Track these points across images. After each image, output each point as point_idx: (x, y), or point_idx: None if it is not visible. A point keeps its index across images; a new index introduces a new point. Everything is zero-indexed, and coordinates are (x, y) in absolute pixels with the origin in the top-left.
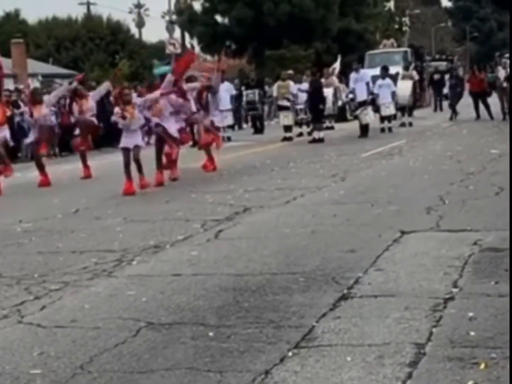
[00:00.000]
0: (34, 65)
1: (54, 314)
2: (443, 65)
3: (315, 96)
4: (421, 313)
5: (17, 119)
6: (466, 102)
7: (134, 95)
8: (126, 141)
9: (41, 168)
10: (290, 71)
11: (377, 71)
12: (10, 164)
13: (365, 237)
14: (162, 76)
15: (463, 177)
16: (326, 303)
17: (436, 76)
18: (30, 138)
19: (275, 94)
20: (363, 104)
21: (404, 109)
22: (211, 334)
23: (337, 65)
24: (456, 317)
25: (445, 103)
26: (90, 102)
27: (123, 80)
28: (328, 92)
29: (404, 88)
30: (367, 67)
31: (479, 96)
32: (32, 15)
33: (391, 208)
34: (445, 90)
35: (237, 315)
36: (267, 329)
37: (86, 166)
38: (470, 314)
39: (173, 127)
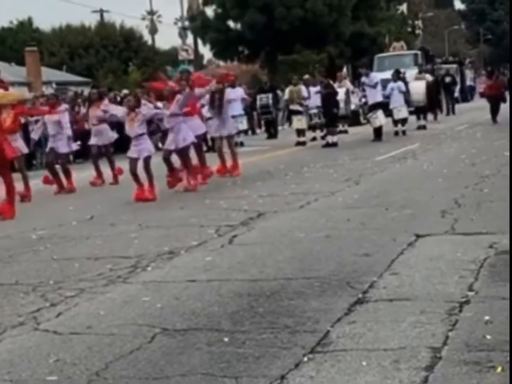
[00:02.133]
0: (48, 73)
1: (70, 320)
2: (453, 67)
3: (329, 100)
4: (437, 317)
5: (32, 127)
6: (477, 105)
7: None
8: (133, 150)
9: (55, 174)
10: (307, 76)
11: (386, 74)
12: (30, 188)
13: (379, 241)
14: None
15: (477, 180)
16: (341, 307)
17: (447, 79)
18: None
19: (286, 97)
20: (374, 107)
21: (420, 111)
22: (226, 339)
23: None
24: (472, 321)
25: (457, 106)
26: (100, 110)
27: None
28: (340, 92)
29: (418, 87)
30: (376, 71)
31: (496, 99)
32: (45, 23)
33: (406, 212)
34: (456, 94)
35: (252, 320)
36: (282, 334)
37: (98, 172)
38: (486, 317)
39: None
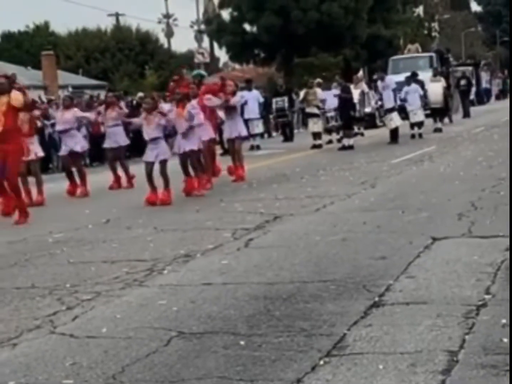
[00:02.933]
0: (65, 77)
1: (86, 324)
2: (469, 70)
3: (345, 103)
4: (454, 320)
5: (48, 130)
6: (494, 107)
7: (162, 105)
8: (149, 154)
9: (71, 177)
10: (319, 80)
11: (401, 77)
12: (43, 192)
13: (396, 244)
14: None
15: (494, 182)
16: (357, 311)
17: (463, 82)
18: (63, 151)
19: (301, 99)
20: (390, 111)
21: (436, 114)
22: (242, 343)
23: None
24: (489, 324)
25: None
26: (115, 112)
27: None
28: (355, 93)
29: (435, 89)
30: (391, 73)
31: None
32: (61, 27)
33: (422, 215)
34: (472, 96)
35: (268, 323)
36: (298, 337)
37: (116, 177)
38: (503, 320)
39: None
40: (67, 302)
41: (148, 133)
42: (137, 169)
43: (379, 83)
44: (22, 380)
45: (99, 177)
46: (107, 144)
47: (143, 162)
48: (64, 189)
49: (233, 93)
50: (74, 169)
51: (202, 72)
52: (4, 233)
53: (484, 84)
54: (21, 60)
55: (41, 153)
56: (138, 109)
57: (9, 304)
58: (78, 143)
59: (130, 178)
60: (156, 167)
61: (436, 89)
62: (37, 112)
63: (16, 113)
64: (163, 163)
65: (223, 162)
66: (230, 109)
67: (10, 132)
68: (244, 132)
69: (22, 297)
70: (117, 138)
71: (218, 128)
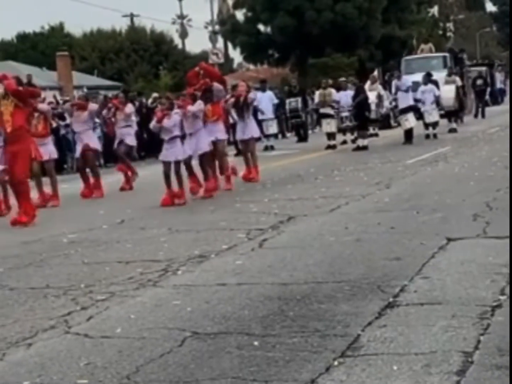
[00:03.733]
0: (79, 77)
1: (101, 324)
2: (483, 70)
3: (360, 104)
4: (468, 321)
5: (62, 131)
6: (508, 108)
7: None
8: (165, 154)
9: (85, 179)
10: (330, 80)
11: (415, 77)
12: (57, 193)
13: (410, 245)
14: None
15: (509, 183)
16: (371, 311)
17: (479, 82)
18: (77, 152)
19: (316, 100)
20: (405, 111)
21: (451, 114)
22: (256, 343)
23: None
24: (504, 325)
25: (488, 109)
26: (126, 111)
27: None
28: (372, 95)
29: (448, 91)
30: (404, 73)
31: None
32: (76, 28)
33: (437, 215)
34: (486, 96)
35: (282, 324)
36: (312, 338)
37: (127, 178)
38: None
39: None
40: (82, 302)
41: (164, 133)
42: (152, 169)
43: (394, 82)
44: (37, 380)
45: (113, 178)
46: (117, 145)
47: (161, 161)
48: (79, 189)
49: (245, 96)
50: (88, 170)
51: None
52: (19, 234)
53: (499, 85)
54: (36, 61)
55: (54, 155)
56: (153, 110)
57: (24, 304)
58: (92, 140)
59: (129, 179)
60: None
61: (448, 93)
62: (44, 106)
63: (24, 113)
64: (178, 163)
65: (238, 163)
66: (242, 110)
67: (18, 132)
68: (257, 133)
69: (37, 297)
70: (124, 138)
71: (232, 129)
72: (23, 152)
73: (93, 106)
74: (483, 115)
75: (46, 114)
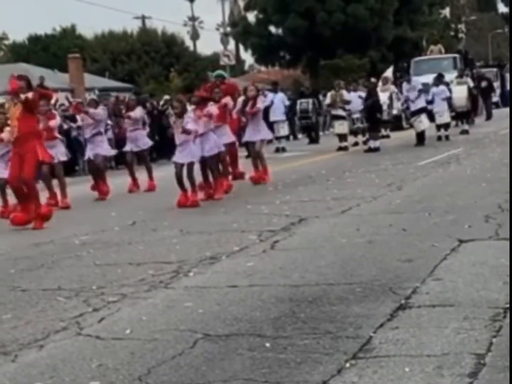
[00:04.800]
0: (91, 79)
1: (113, 326)
2: (493, 71)
3: (372, 105)
4: (481, 323)
5: (74, 133)
6: None
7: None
8: (178, 155)
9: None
10: (339, 81)
11: (425, 78)
12: (66, 195)
13: (422, 247)
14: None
15: (509, 185)
16: (383, 313)
17: (484, 84)
18: (86, 156)
19: (328, 102)
20: (417, 112)
21: (463, 116)
22: (268, 345)
23: (389, 74)
24: None
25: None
26: (135, 114)
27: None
28: (383, 96)
29: (460, 91)
30: (413, 75)
31: None
32: (88, 30)
33: (449, 217)
34: (495, 98)
35: (294, 326)
36: (324, 340)
37: (134, 179)
38: None
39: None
40: (93, 304)
41: (179, 137)
42: (163, 171)
43: (405, 84)
44: (49, 381)
45: (125, 180)
46: (128, 148)
47: (173, 163)
48: (90, 191)
49: (255, 98)
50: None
51: (223, 72)
52: (31, 235)
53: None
54: (48, 63)
55: (63, 157)
56: (164, 113)
57: (35, 305)
58: (101, 147)
59: (152, 181)
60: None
61: (460, 94)
62: (52, 123)
63: (31, 117)
64: (190, 165)
65: (248, 165)
66: (251, 112)
67: (25, 136)
68: (266, 136)
69: (48, 299)
70: (138, 142)
71: (242, 131)
72: (30, 155)
73: (96, 113)
74: (490, 117)
75: (52, 127)
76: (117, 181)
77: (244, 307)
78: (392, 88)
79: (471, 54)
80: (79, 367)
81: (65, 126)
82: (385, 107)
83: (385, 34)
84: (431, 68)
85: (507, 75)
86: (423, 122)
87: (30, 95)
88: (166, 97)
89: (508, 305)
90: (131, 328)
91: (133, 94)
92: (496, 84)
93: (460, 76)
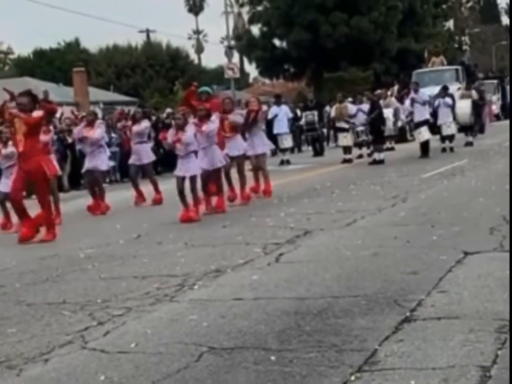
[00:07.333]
0: (96, 93)
1: (117, 339)
2: (494, 83)
3: (376, 117)
4: (486, 335)
5: (78, 146)
6: None
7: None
8: (180, 168)
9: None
10: (340, 94)
11: (427, 90)
12: (60, 211)
13: (427, 259)
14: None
15: (509, 196)
16: (388, 326)
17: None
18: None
19: (333, 115)
20: (421, 124)
21: (467, 129)
22: (273, 358)
23: (394, 91)
24: None
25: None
26: (140, 127)
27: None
28: (388, 112)
29: (464, 107)
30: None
31: None
32: (92, 44)
33: (454, 229)
34: (497, 110)
35: (299, 339)
36: (329, 352)
37: (138, 192)
38: None
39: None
40: (98, 318)
41: (180, 149)
42: (168, 184)
43: (413, 94)
44: None
45: (130, 193)
46: (131, 160)
47: (175, 176)
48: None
49: (257, 111)
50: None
51: (208, 89)
52: (36, 249)
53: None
54: (53, 77)
55: (59, 171)
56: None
57: (40, 319)
58: (101, 160)
59: (159, 193)
60: (187, 183)
61: (464, 109)
62: (44, 138)
63: (36, 132)
64: (193, 178)
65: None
66: (252, 126)
67: (31, 152)
68: (266, 148)
69: (53, 313)
70: (141, 156)
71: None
72: (36, 171)
73: (97, 133)
74: (482, 130)
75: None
76: (121, 194)
77: (249, 320)
78: (394, 102)
79: (472, 66)
80: (84, 381)
81: (69, 140)
82: (390, 124)
83: (389, 46)
84: (434, 80)
85: (508, 87)
86: (422, 134)
87: (32, 117)
88: (169, 110)
89: None
90: (136, 341)
91: (138, 107)
92: (497, 97)
93: (466, 88)
